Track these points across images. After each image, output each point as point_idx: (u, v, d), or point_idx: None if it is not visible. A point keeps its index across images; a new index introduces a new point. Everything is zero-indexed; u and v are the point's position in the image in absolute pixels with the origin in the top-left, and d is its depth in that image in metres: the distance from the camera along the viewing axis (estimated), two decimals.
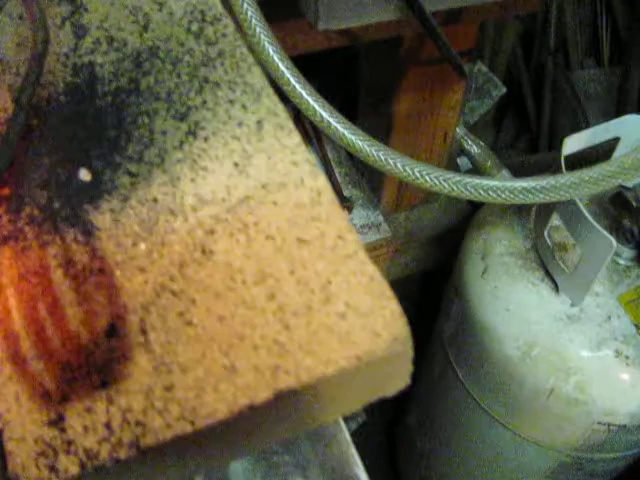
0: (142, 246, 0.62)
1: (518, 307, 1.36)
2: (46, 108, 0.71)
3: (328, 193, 0.64)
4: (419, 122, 1.52)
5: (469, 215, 1.75)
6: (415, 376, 0.60)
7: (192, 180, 0.65)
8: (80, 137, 0.70)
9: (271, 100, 0.71)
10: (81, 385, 0.57)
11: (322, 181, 0.65)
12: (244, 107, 0.70)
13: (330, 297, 0.59)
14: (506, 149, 2.35)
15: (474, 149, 1.73)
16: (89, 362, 0.57)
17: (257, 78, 0.72)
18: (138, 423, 0.55)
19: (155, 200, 0.64)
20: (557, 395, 1.34)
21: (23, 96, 0.65)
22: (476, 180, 0.93)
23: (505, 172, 1.69)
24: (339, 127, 0.91)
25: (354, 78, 1.61)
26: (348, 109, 1.51)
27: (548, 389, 1.34)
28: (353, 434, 1.99)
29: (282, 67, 0.87)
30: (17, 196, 0.66)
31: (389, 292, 0.60)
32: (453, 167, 1.76)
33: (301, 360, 0.57)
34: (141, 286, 0.60)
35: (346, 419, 1.96)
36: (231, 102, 0.71)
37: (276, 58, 0.86)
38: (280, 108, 0.70)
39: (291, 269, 0.60)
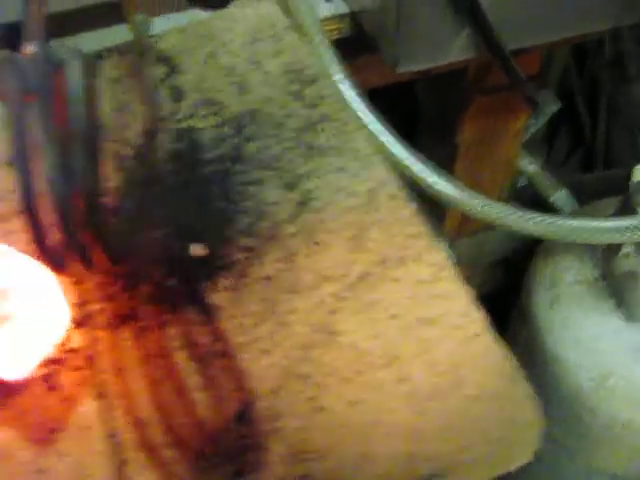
0: (264, 327, 0.62)
1: (591, 338, 1.34)
2: (151, 177, 0.71)
3: (448, 269, 0.63)
4: (482, 151, 1.51)
5: (534, 240, 1.73)
6: None
7: (308, 255, 0.65)
8: (188, 208, 0.69)
9: (380, 168, 0.70)
10: (215, 475, 0.56)
11: (441, 256, 0.64)
12: (354, 175, 0.69)
13: (461, 380, 0.58)
14: (559, 167, 2.33)
15: (530, 168, 1.71)
16: (221, 450, 0.57)
17: (363, 144, 0.72)
18: None
19: (273, 277, 0.64)
20: (632, 425, 1.32)
21: (137, 175, 0.65)
22: (559, 221, 0.92)
23: (564, 192, 1.67)
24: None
25: (408, 107, 1.60)
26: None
27: (623, 420, 1.33)
28: None
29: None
30: (132, 272, 0.66)
31: (518, 373, 0.59)
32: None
33: (436, 447, 0.56)
34: (267, 370, 0.60)
35: None
36: (340, 170, 0.70)
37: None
38: (391, 177, 0.69)
39: (419, 350, 0.60)
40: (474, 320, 0.60)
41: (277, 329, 0.61)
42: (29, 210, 0.52)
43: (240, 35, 0.83)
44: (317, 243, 0.65)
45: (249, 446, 0.57)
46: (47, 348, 0.62)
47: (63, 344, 0.63)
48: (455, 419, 0.57)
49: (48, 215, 0.53)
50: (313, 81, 0.77)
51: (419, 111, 1.56)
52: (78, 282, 0.66)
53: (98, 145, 0.52)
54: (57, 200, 0.51)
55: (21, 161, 0.50)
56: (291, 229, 0.66)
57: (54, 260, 0.56)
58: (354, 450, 0.56)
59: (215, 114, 0.76)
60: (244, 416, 0.58)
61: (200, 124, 0.75)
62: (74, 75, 0.51)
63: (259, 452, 0.56)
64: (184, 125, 0.75)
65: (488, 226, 1.65)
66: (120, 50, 0.83)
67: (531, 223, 0.88)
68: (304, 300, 0.62)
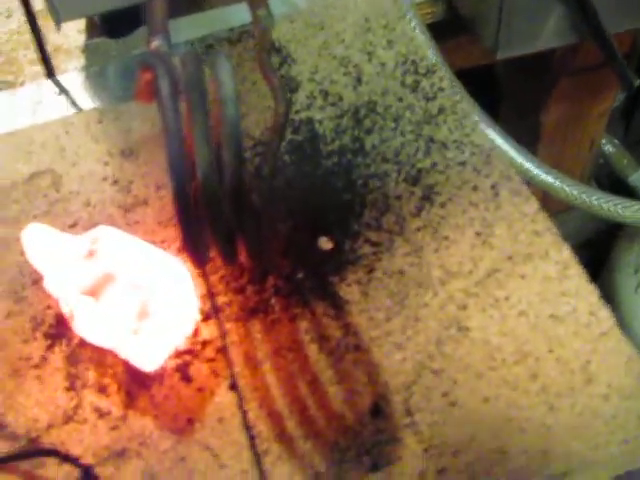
0: (396, 321, 0.63)
1: None
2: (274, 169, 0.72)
3: (575, 266, 0.64)
4: (566, 131, 1.50)
5: (617, 223, 1.72)
6: None
7: (435, 250, 0.66)
8: (312, 201, 0.70)
9: (502, 162, 0.70)
10: (352, 467, 0.58)
11: (567, 253, 0.64)
12: (476, 170, 0.70)
13: (591, 378, 0.59)
14: (636, 145, 2.30)
15: (608, 147, 1.70)
16: (357, 443, 0.59)
17: (483, 138, 0.72)
18: None
19: (402, 272, 0.65)
20: None
21: (266, 168, 0.66)
22: None
23: None
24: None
25: (488, 85, 1.59)
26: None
27: None
28: None
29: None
30: (259, 265, 0.67)
31: None
32: None
33: (569, 444, 0.57)
34: (401, 364, 0.61)
35: None
36: (462, 164, 0.71)
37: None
38: (513, 171, 0.70)
39: (549, 347, 0.61)
40: (601, 318, 0.61)
41: (409, 323, 0.62)
42: (181, 205, 0.53)
43: (352, 25, 0.83)
44: (445, 238, 0.66)
45: (385, 440, 0.58)
46: (180, 340, 0.64)
47: (194, 336, 0.65)
48: (586, 416, 0.57)
49: (198, 210, 0.55)
50: (429, 73, 0.78)
51: (500, 91, 1.55)
52: (206, 274, 0.68)
53: (243, 142, 0.53)
54: (207, 195, 0.53)
55: (175, 155, 0.51)
56: (417, 223, 0.67)
57: (198, 254, 0.58)
58: (489, 445, 0.57)
59: (333, 105, 0.77)
60: (379, 410, 0.59)
61: (318, 115, 0.76)
62: (225, 73, 0.52)
63: (395, 446, 0.58)
64: (302, 116, 0.76)
65: (569, 207, 1.65)
66: (231, 40, 0.84)
67: (619, 208, 0.88)
68: (434, 295, 0.64)
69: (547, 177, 0.93)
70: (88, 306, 0.60)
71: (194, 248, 0.57)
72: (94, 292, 0.61)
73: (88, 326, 0.61)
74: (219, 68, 0.52)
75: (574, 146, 1.50)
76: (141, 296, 0.61)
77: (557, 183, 0.92)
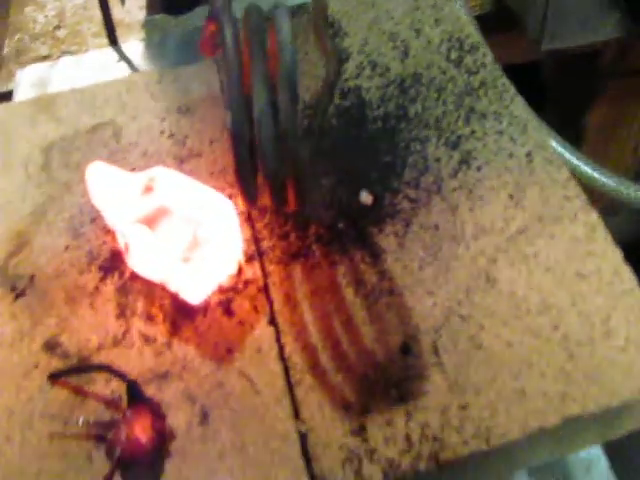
0: (428, 270, 0.67)
1: None
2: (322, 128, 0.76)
3: (602, 229, 0.67)
4: (611, 133, 1.53)
5: None
6: None
7: (470, 209, 0.70)
8: (356, 160, 0.75)
9: (538, 133, 0.74)
10: (380, 399, 0.62)
11: (595, 217, 0.68)
12: (512, 139, 0.74)
13: (611, 331, 0.62)
14: None
15: None
16: (386, 377, 0.62)
17: (521, 110, 0.76)
18: (436, 438, 0.59)
19: (437, 227, 0.69)
20: None
21: (315, 123, 0.70)
22: None
23: None
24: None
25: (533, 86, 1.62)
26: None
27: None
28: None
29: None
30: (303, 214, 0.72)
31: None
32: None
33: (587, 389, 0.60)
34: (431, 309, 0.65)
35: None
36: (499, 133, 0.75)
37: None
38: (547, 142, 0.73)
39: (572, 301, 0.64)
40: (625, 278, 0.65)
41: (440, 273, 0.66)
42: (237, 145, 0.57)
43: (402, 3, 0.88)
44: (479, 198, 0.70)
45: (412, 376, 0.62)
46: (224, 277, 0.68)
47: (238, 275, 0.69)
48: (604, 365, 0.61)
49: (254, 155, 0.59)
50: (473, 49, 0.82)
51: (545, 93, 1.59)
52: (252, 220, 0.72)
53: (297, 91, 0.58)
54: (263, 138, 0.57)
55: (235, 98, 0.56)
56: (453, 184, 0.71)
57: (249, 193, 0.62)
58: (510, 386, 0.60)
59: (380, 75, 0.81)
60: (408, 349, 0.63)
61: (366, 84, 0.81)
62: (284, 22, 0.57)
63: (421, 382, 0.62)
64: (351, 84, 0.81)
65: (614, 209, 1.67)
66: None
67: None
68: (466, 249, 0.67)
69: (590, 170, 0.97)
70: (143, 236, 0.65)
71: (246, 187, 0.61)
72: (149, 223, 0.66)
73: (141, 257, 0.66)
74: (279, 17, 0.57)
75: (618, 148, 1.52)
76: (192, 230, 0.66)
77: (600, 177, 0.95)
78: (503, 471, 0.64)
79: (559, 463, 0.76)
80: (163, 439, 0.60)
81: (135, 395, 0.61)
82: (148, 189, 0.67)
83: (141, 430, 0.59)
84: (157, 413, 0.61)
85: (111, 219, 0.68)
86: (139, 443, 0.58)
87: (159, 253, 0.65)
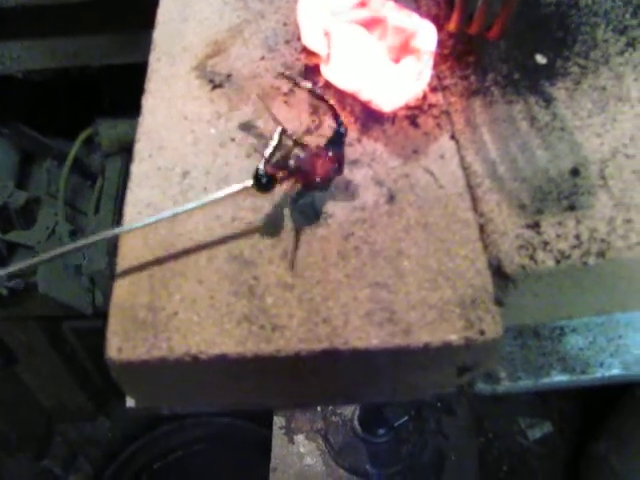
0: (596, 119, 0.75)
1: None
2: None
3: None
4: None
5: None
6: None
7: (635, 79, 0.78)
8: (530, 32, 0.84)
9: None
10: (552, 205, 0.70)
11: None
12: None
13: None
14: None
15: None
16: (558, 190, 0.70)
17: None
18: (603, 240, 0.67)
19: (604, 88, 0.78)
20: None
21: None
22: None
23: None
24: None
25: None
26: None
27: None
28: (536, 442, 2.03)
29: None
30: (481, 64, 0.80)
31: None
32: None
33: None
34: (599, 146, 0.73)
35: (532, 425, 2.04)
36: None
37: None
38: None
39: None
40: None
41: (608, 122, 0.75)
42: None
43: None
44: None
45: (581, 192, 0.70)
46: (411, 97, 0.76)
47: (424, 98, 0.77)
48: None
49: None
50: None
51: None
52: (437, 60, 0.80)
53: None
54: None
55: None
56: (620, 60, 0.80)
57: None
58: None
59: None
60: (578, 171, 0.72)
61: None
62: None
63: (589, 197, 0.70)
64: None
65: None
66: None
67: None
68: (631, 108, 0.76)
69: None
70: (356, 35, 0.72)
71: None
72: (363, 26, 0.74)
73: (343, 61, 0.74)
74: None
75: None
76: (403, 38, 0.74)
77: None
78: None
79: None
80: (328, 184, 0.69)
81: (336, 140, 0.69)
82: (362, 3, 0.75)
83: (321, 167, 0.66)
84: (340, 165, 0.68)
85: (323, 20, 0.75)
86: (314, 173, 0.66)
87: (369, 53, 0.72)
